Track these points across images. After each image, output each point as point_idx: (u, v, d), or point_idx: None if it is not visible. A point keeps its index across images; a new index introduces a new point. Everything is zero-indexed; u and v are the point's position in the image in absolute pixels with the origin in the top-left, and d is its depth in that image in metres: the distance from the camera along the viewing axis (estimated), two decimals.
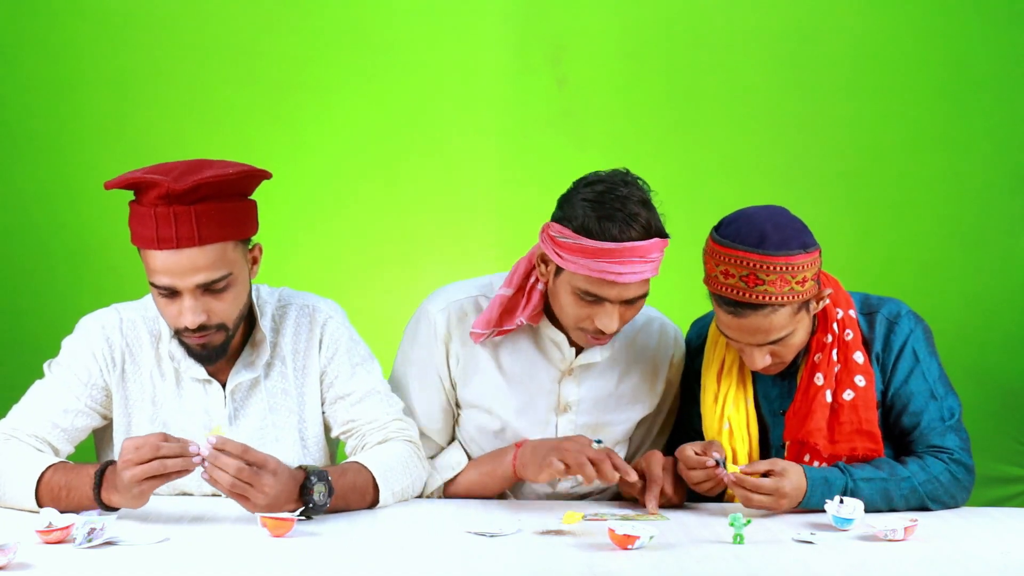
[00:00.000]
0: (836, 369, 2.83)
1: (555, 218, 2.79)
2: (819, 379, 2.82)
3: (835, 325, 2.84)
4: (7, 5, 3.87)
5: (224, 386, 2.82)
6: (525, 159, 3.99)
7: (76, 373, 2.78)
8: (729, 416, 2.89)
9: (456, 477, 2.92)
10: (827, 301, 2.81)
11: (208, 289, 2.65)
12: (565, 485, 2.97)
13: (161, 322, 2.80)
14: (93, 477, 2.54)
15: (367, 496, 2.72)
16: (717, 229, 2.76)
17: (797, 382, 2.87)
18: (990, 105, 3.98)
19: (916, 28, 3.99)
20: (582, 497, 3.01)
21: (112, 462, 2.55)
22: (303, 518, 2.56)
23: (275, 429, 2.84)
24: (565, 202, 2.78)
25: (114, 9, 3.91)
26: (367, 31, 3.98)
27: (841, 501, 2.60)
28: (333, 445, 2.97)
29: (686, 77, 4.01)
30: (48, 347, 2.89)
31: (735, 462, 2.85)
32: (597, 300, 2.75)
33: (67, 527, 2.36)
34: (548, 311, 2.91)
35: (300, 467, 2.58)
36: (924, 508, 2.78)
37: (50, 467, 2.62)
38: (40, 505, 2.57)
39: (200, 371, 2.79)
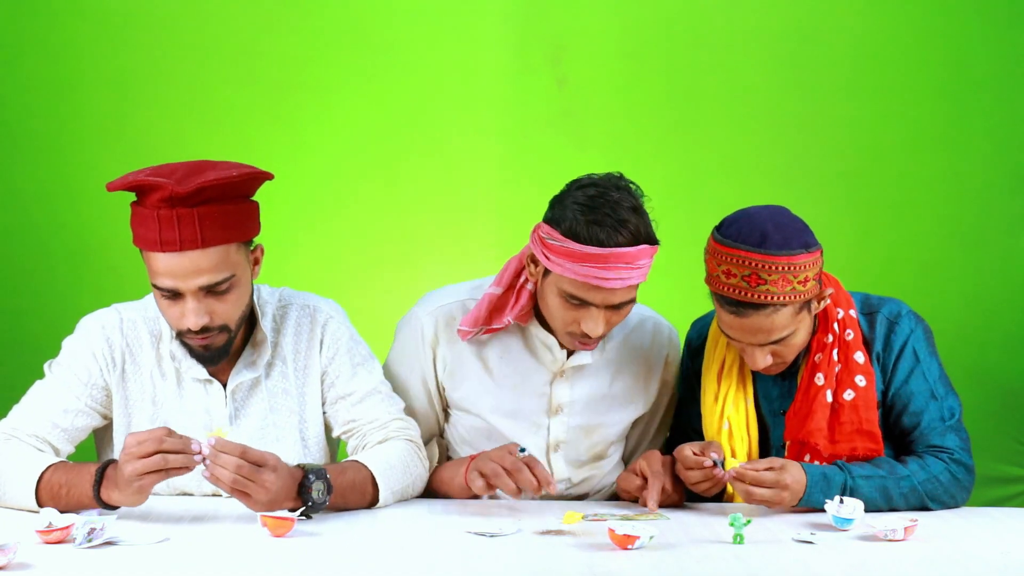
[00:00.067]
0: (837, 369, 2.83)
1: (546, 219, 2.79)
2: (820, 379, 2.82)
3: (836, 325, 2.85)
4: (7, 5, 3.87)
5: (225, 386, 2.82)
6: (525, 159, 3.99)
7: (76, 373, 2.78)
8: (729, 416, 2.89)
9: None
10: (828, 301, 2.81)
11: (211, 291, 2.65)
12: (559, 487, 2.97)
13: (161, 322, 2.80)
14: (93, 475, 2.54)
15: (367, 495, 2.72)
16: (719, 229, 2.76)
17: (797, 382, 2.87)
18: (990, 105, 3.98)
19: (916, 28, 3.99)
20: (581, 497, 3.01)
21: (113, 461, 2.55)
22: (303, 518, 2.56)
23: (276, 429, 2.84)
24: (557, 203, 2.78)
25: (114, 9, 3.91)
26: (367, 31, 3.98)
27: (841, 501, 2.60)
28: (334, 445, 2.97)
29: (686, 77, 4.01)
30: (48, 347, 2.89)
31: (734, 458, 2.85)
32: (583, 304, 2.75)
33: (67, 527, 2.36)
34: (538, 313, 2.91)
35: (299, 465, 2.58)
36: (924, 508, 2.78)
37: (50, 466, 2.62)
38: (40, 505, 2.57)
39: (201, 371, 2.79)
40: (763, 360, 2.77)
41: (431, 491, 2.91)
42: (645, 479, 2.79)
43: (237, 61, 3.94)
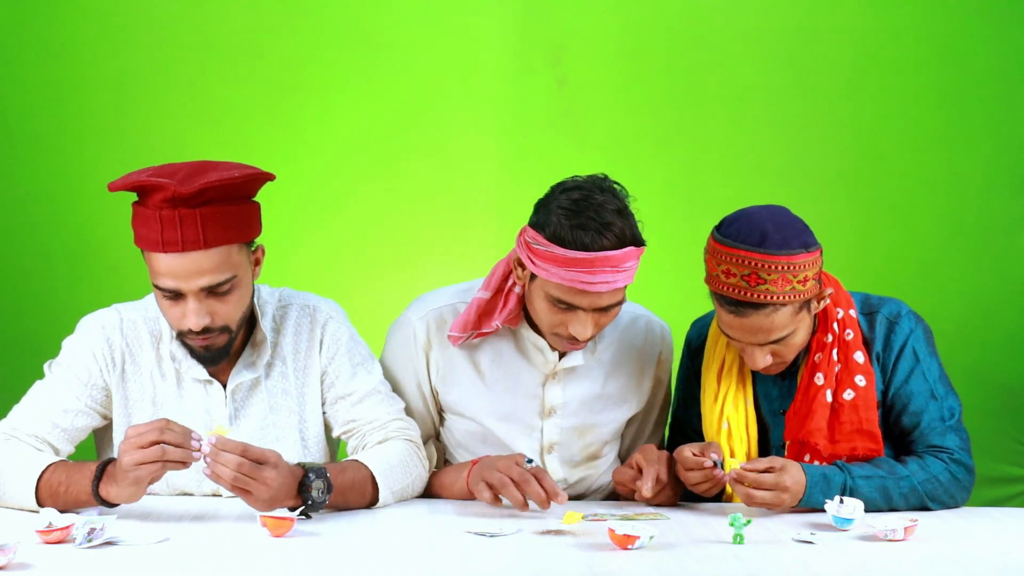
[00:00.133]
0: (836, 369, 2.83)
1: (531, 223, 2.79)
2: (819, 379, 2.82)
3: (835, 325, 2.85)
4: (7, 5, 3.87)
5: (225, 386, 2.82)
6: (525, 159, 3.99)
7: (76, 373, 2.78)
8: (728, 416, 2.89)
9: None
10: (828, 301, 2.81)
11: (212, 292, 2.65)
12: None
13: (162, 322, 2.80)
14: (93, 471, 2.54)
15: (366, 494, 2.72)
16: (718, 228, 2.76)
17: (797, 382, 2.87)
18: (990, 105, 3.99)
19: (916, 28, 3.99)
20: (578, 497, 3.01)
21: (113, 459, 2.55)
22: (303, 517, 2.56)
23: (276, 429, 2.84)
24: (541, 207, 2.78)
25: (114, 9, 3.91)
26: (367, 31, 3.98)
27: (841, 501, 2.60)
28: (334, 445, 2.97)
29: (686, 77, 4.01)
30: (48, 347, 2.89)
31: (733, 458, 2.86)
32: (570, 307, 2.75)
33: (67, 527, 2.36)
34: (529, 316, 2.91)
35: (298, 464, 2.58)
36: (924, 508, 2.78)
37: (50, 465, 2.62)
38: (39, 504, 2.57)
39: (201, 371, 2.79)
40: (763, 360, 2.77)
41: (430, 495, 2.91)
42: (640, 471, 2.78)
43: (237, 61, 3.94)
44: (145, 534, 2.44)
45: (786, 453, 2.86)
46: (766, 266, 2.68)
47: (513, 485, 2.65)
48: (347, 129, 3.99)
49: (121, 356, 2.81)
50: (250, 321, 2.82)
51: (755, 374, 2.91)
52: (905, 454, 2.85)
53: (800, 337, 2.78)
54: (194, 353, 2.75)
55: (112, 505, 2.56)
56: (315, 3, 3.95)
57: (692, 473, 2.73)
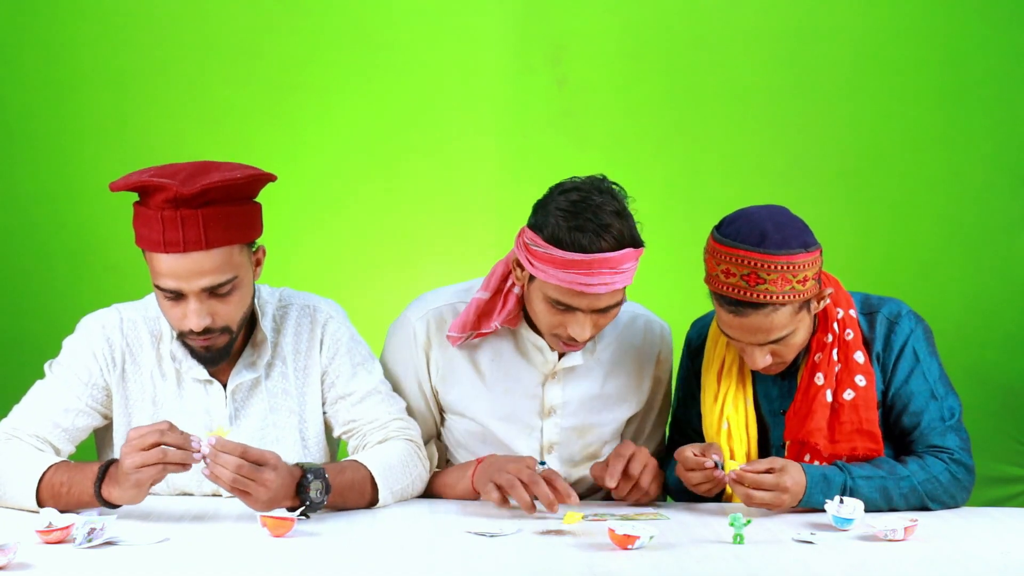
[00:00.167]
0: (836, 369, 2.83)
1: (529, 224, 2.79)
2: (819, 379, 2.82)
3: (835, 325, 2.85)
4: (7, 5, 3.87)
5: (225, 386, 2.82)
6: (525, 159, 3.99)
7: (76, 373, 2.79)
8: (728, 416, 2.89)
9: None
10: (828, 301, 2.81)
11: (213, 292, 2.65)
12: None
13: (162, 322, 2.80)
14: (96, 472, 2.54)
15: (366, 494, 2.72)
16: (718, 228, 2.76)
17: (797, 382, 2.87)
18: (990, 105, 3.98)
19: (916, 28, 3.99)
20: (581, 497, 3.01)
21: (116, 460, 2.55)
22: (303, 518, 2.56)
23: (276, 429, 2.84)
24: (540, 208, 2.78)
25: (114, 9, 3.91)
26: (367, 31, 3.98)
27: (841, 501, 2.60)
28: (334, 445, 2.97)
29: (686, 77, 4.01)
30: (48, 347, 2.89)
31: (733, 459, 2.85)
32: (568, 309, 2.75)
33: (67, 527, 2.36)
34: (528, 316, 2.91)
35: (297, 464, 2.58)
36: (924, 508, 2.78)
37: (52, 466, 2.62)
38: (40, 504, 2.58)
39: (201, 371, 2.79)
40: (763, 360, 2.77)
41: (432, 495, 2.91)
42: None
43: (237, 61, 3.94)
44: (145, 534, 2.44)
45: (786, 453, 2.86)
46: (766, 266, 2.68)
47: (522, 486, 2.65)
48: (347, 129, 3.99)
49: (121, 356, 2.81)
50: (250, 321, 2.82)
51: (755, 374, 2.91)
52: (905, 454, 2.85)
53: (800, 337, 2.78)
54: (194, 353, 2.75)
55: (114, 506, 2.56)
56: (315, 3, 3.95)
57: (693, 473, 2.73)
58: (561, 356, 2.93)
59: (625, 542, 2.38)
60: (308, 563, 2.27)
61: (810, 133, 4.01)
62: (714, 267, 2.74)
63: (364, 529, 2.56)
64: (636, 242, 2.74)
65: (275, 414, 2.84)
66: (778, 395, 2.91)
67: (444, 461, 3.03)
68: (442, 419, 3.02)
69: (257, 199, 2.74)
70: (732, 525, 2.46)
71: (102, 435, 2.89)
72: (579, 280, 2.69)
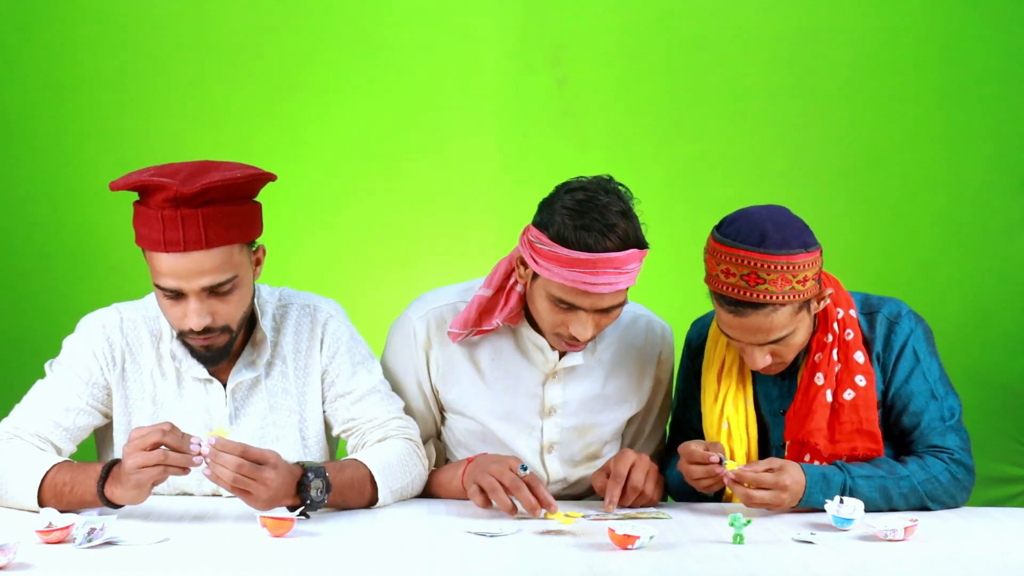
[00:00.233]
0: (836, 369, 2.83)
1: (534, 222, 2.79)
2: (819, 379, 2.82)
3: (835, 325, 2.84)
4: (7, 5, 3.87)
5: (225, 385, 2.82)
6: (525, 159, 3.99)
7: (77, 372, 2.79)
8: (728, 416, 2.89)
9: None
10: (828, 301, 2.81)
11: (214, 292, 2.65)
12: (555, 487, 2.97)
13: (162, 321, 2.80)
14: (99, 472, 2.54)
15: (365, 493, 2.72)
16: (718, 228, 2.77)
17: (797, 382, 2.87)
18: (990, 105, 3.98)
19: (916, 28, 3.99)
20: (578, 497, 3.01)
21: (119, 460, 2.55)
22: (303, 518, 2.56)
23: (276, 428, 2.84)
24: (545, 207, 2.78)
25: (114, 9, 3.91)
26: (367, 31, 3.98)
27: (841, 501, 2.60)
28: (334, 444, 2.97)
29: (686, 77, 4.01)
30: (49, 347, 2.89)
31: (732, 459, 2.86)
32: (571, 308, 2.75)
33: (67, 527, 2.36)
34: (529, 314, 2.91)
35: (297, 463, 2.58)
36: (924, 508, 2.78)
37: (54, 466, 2.62)
38: (41, 504, 2.58)
39: (201, 371, 2.80)
40: (762, 360, 2.77)
41: (428, 494, 2.91)
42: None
43: (237, 61, 3.94)
44: (145, 534, 2.44)
45: (786, 453, 2.86)
46: (765, 266, 2.68)
47: (502, 491, 2.64)
48: (347, 129, 3.99)
49: (121, 355, 2.81)
50: (250, 321, 2.82)
51: (755, 374, 2.91)
52: (905, 454, 2.85)
53: (800, 337, 2.78)
54: (194, 352, 2.76)
55: (117, 506, 2.56)
56: (315, 3, 3.95)
57: (696, 467, 2.72)
58: (562, 355, 2.93)
59: (625, 542, 2.38)
60: (308, 563, 2.27)
61: (810, 133, 4.01)
62: (714, 267, 2.74)
63: (364, 529, 2.56)
64: (641, 243, 2.75)
65: (275, 413, 2.84)
66: (778, 395, 2.91)
67: (444, 460, 3.03)
68: (442, 418, 3.02)
69: (257, 199, 2.74)
70: (732, 525, 2.46)
71: (102, 434, 2.89)
72: (583, 279, 2.69)
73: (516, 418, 2.95)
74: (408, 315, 2.99)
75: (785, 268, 2.68)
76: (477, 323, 2.90)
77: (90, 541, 2.34)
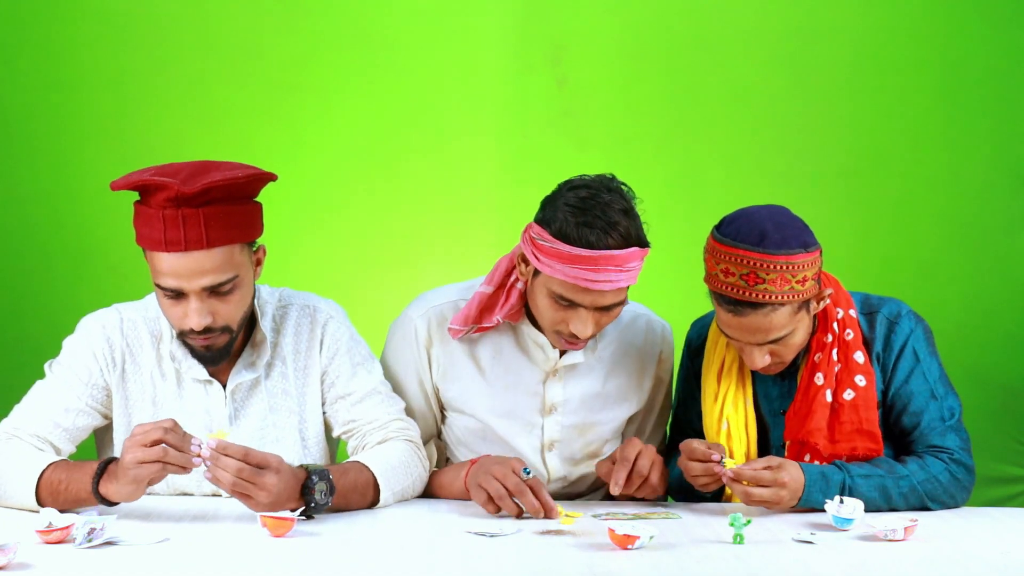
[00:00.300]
0: (836, 369, 2.83)
1: (537, 219, 2.79)
2: (819, 379, 2.82)
3: (835, 325, 2.85)
4: (7, 5, 3.87)
5: (225, 386, 2.82)
6: (525, 159, 3.99)
7: (77, 373, 2.79)
8: (728, 416, 2.89)
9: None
10: (827, 301, 2.81)
11: (214, 291, 2.65)
12: (555, 486, 2.97)
13: (162, 322, 2.80)
14: (95, 469, 2.54)
15: (367, 495, 2.72)
16: (718, 228, 2.77)
17: (797, 382, 2.87)
18: (990, 105, 3.98)
19: (916, 28, 3.99)
20: (578, 495, 3.01)
21: (115, 458, 2.55)
22: (303, 517, 2.56)
23: (276, 429, 2.84)
24: (548, 204, 2.79)
25: (114, 9, 3.91)
26: (367, 31, 3.98)
27: (841, 501, 2.60)
28: (334, 445, 2.97)
29: (686, 77, 4.01)
30: (48, 347, 2.89)
31: (732, 458, 2.86)
32: (572, 305, 2.75)
33: (67, 527, 2.36)
34: (530, 312, 2.92)
35: (301, 466, 2.58)
36: (923, 508, 2.78)
37: (51, 464, 2.62)
38: (39, 503, 2.58)
39: (201, 371, 2.79)
40: (762, 360, 2.77)
41: (429, 495, 2.91)
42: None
43: (237, 61, 3.94)
44: (145, 534, 2.44)
45: (786, 453, 2.86)
46: (765, 265, 2.68)
47: (508, 496, 2.64)
48: (347, 129, 3.99)
49: (121, 356, 2.81)
50: (250, 321, 2.82)
51: (755, 374, 2.91)
52: (905, 454, 2.85)
53: (799, 337, 2.78)
54: (195, 353, 2.76)
55: (112, 503, 2.56)
56: (315, 3, 3.95)
57: (695, 464, 2.72)
58: (562, 354, 2.93)
59: (625, 542, 2.38)
60: (308, 563, 2.27)
61: (810, 133, 4.01)
62: (713, 266, 2.74)
63: (364, 529, 2.56)
64: (643, 242, 2.75)
65: (275, 414, 2.84)
66: (778, 395, 2.91)
67: (444, 459, 3.03)
68: (443, 417, 3.02)
69: (257, 199, 2.74)
70: (732, 525, 2.46)
71: (102, 435, 2.89)
72: (585, 276, 2.70)
73: (516, 416, 2.95)
74: (408, 313, 2.99)
75: (784, 268, 2.68)
76: (478, 320, 2.90)
77: (90, 541, 2.34)
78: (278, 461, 2.52)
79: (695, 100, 4.01)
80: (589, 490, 3.02)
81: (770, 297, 2.69)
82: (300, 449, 2.85)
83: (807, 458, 2.82)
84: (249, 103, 3.94)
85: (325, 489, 2.57)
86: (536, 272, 2.79)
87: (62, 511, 2.46)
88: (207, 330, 2.67)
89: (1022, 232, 3.99)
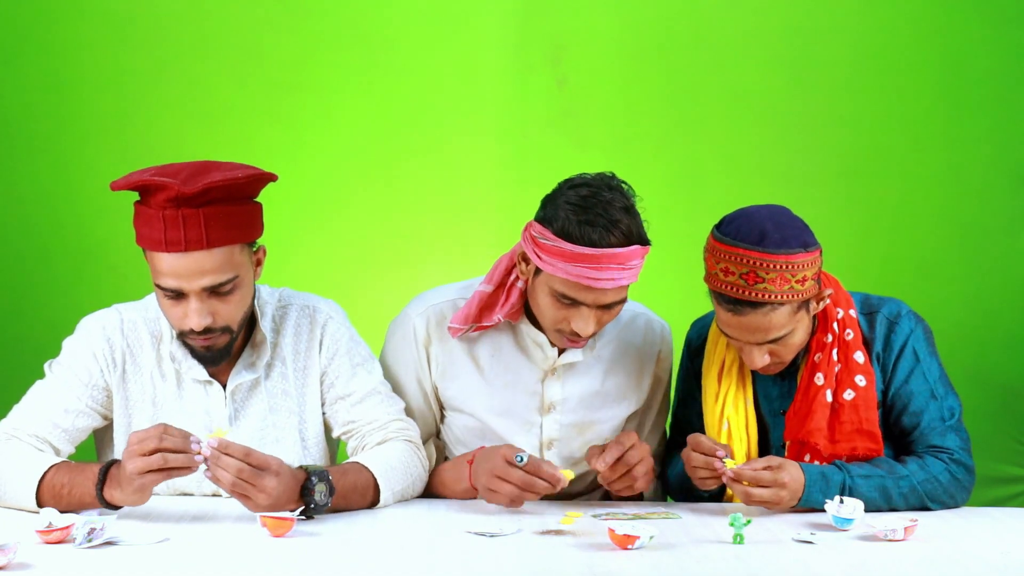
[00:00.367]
0: (836, 369, 2.83)
1: (538, 218, 2.79)
2: (819, 379, 2.82)
3: (835, 325, 2.85)
4: (7, 5, 3.87)
5: (225, 387, 2.82)
6: (525, 159, 3.99)
7: (77, 373, 2.78)
8: (728, 416, 2.89)
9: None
10: (827, 302, 2.81)
11: (214, 292, 2.65)
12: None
13: (162, 323, 2.80)
14: (97, 474, 2.54)
15: (367, 496, 2.72)
16: (718, 227, 2.77)
17: (797, 382, 2.87)
18: (990, 105, 3.98)
19: (916, 28, 3.99)
20: (578, 494, 3.01)
21: (116, 461, 2.55)
22: (303, 518, 2.56)
23: (275, 430, 2.84)
24: (549, 202, 2.79)
25: (114, 9, 3.91)
26: (367, 31, 3.98)
27: (841, 501, 2.60)
28: (334, 445, 2.97)
29: (686, 77, 4.01)
30: (48, 347, 2.89)
31: (731, 458, 2.86)
32: (574, 303, 2.76)
33: (67, 527, 2.36)
34: (528, 311, 2.92)
35: (301, 467, 2.58)
36: (923, 508, 2.78)
37: (52, 467, 2.62)
38: (40, 505, 2.57)
39: (201, 372, 2.79)
40: (761, 359, 2.77)
41: (430, 492, 2.91)
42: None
43: (237, 61, 3.94)
44: (145, 534, 2.44)
45: (786, 453, 2.86)
46: (764, 265, 2.68)
47: (523, 494, 2.67)
48: (347, 129, 3.99)
49: (122, 356, 2.81)
50: (250, 322, 2.82)
51: (755, 374, 2.91)
52: (905, 454, 2.85)
53: (798, 337, 2.78)
54: (195, 353, 2.75)
55: (116, 507, 2.56)
56: (315, 3, 3.95)
57: (698, 455, 2.72)
58: (561, 352, 2.93)
59: (625, 542, 2.38)
60: (308, 563, 2.27)
61: (810, 133, 4.01)
62: (713, 265, 2.74)
63: (364, 529, 2.56)
64: (644, 240, 2.75)
65: (275, 414, 2.84)
66: (778, 395, 2.91)
67: (443, 459, 3.03)
68: (442, 416, 3.02)
69: (257, 199, 2.74)
70: (732, 525, 2.46)
71: (102, 435, 2.89)
72: (587, 274, 2.70)
73: (515, 415, 2.95)
74: (408, 312, 2.99)
75: (784, 267, 2.68)
76: (478, 319, 2.90)
77: (90, 541, 2.34)
78: (278, 463, 2.52)
79: (695, 100, 4.01)
80: (588, 489, 3.02)
81: (769, 296, 2.69)
82: (300, 449, 2.85)
83: (807, 458, 2.82)
84: (249, 103, 3.94)
85: (325, 490, 2.57)
86: (537, 271, 2.79)
87: (64, 512, 2.46)
88: (207, 330, 2.67)
89: (1022, 232, 3.99)
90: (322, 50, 3.97)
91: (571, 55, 4.00)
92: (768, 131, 4.01)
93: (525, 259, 2.83)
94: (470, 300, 2.91)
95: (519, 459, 2.68)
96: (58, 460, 2.66)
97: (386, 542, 2.46)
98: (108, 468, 2.54)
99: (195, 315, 2.65)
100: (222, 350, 2.73)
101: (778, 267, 2.68)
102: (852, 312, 2.87)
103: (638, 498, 2.95)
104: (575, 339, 2.82)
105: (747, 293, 2.70)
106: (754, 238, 2.70)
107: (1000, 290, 3.99)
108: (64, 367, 2.79)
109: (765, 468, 2.68)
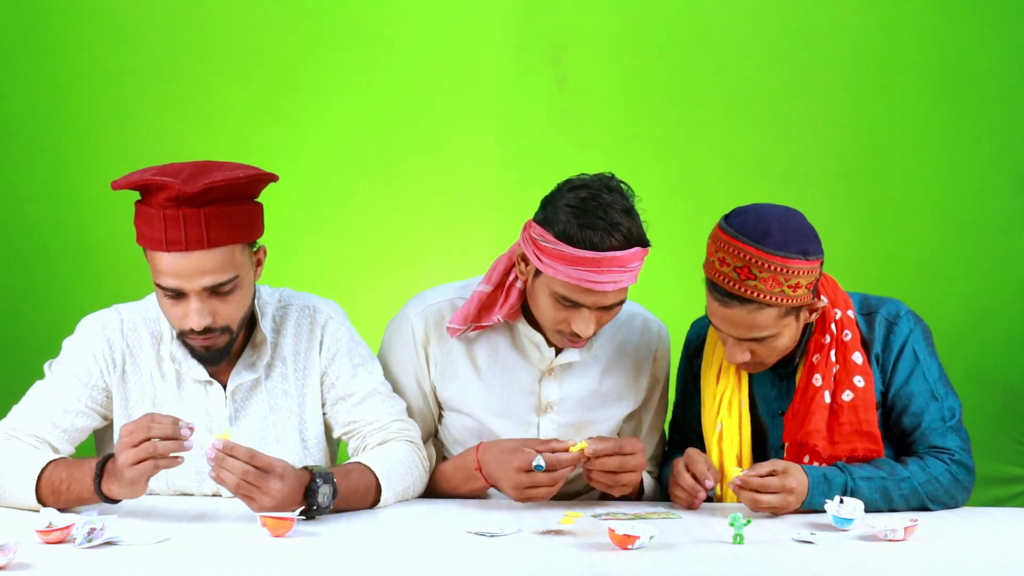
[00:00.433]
0: (835, 370, 2.83)
1: (537, 220, 2.79)
2: (817, 380, 2.82)
3: (833, 326, 2.84)
4: (7, 5, 3.87)
5: (225, 387, 2.82)
6: (525, 159, 3.99)
7: (76, 374, 2.78)
8: (722, 418, 2.89)
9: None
10: (819, 314, 2.80)
11: (215, 291, 2.65)
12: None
13: (162, 323, 2.80)
14: (94, 468, 2.54)
15: (369, 496, 2.72)
16: (726, 217, 2.77)
17: (795, 383, 2.87)
18: (990, 105, 3.98)
19: (916, 28, 3.98)
20: (576, 494, 3.01)
21: (113, 455, 2.55)
22: (303, 518, 2.56)
23: (276, 430, 2.84)
24: (548, 204, 2.79)
25: (114, 9, 3.91)
26: (367, 31, 3.98)
27: (841, 501, 2.60)
28: (334, 446, 2.97)
29: (686, 77, 4.01)
30: (48, 347, 2.89)
31: (723, 459, 2.86)
32: (574, 305, 2.76)
33: (67, 527, 2.36)
34: (526, 311, 2.92)
35: (305, 468, 2.58)
36: (924, 508, 2.78)
37: (50, 463, 2.62)
38: (40, 502, 2.58)
39: (201, 372, 2.79)
40: (741, 356, 2.77)
41: (433, 490, 2.91)
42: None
43: (237, 61, 3.93)
44: (145, 534, 2.44)
45: (785, 455, 2.86)
46: (759, 263, 2.68)
47: (558, 488, 2.69)
48: (347, 129, 3.99)
49: (121, 357, 2.81)
50: (250, 322, 2.82)
51: (753, 375, 2.91)
52: (905, 455, 2.85)
53: (783, 342, 2.78)
54: (195, 353, 2.75)
55: (115, 501, 2.56)
56: (315, 3, 3.95)
57: (686, 477, 2.73)
58: (558, 352, 2.93)
59: (625, 542, 2.38)
60: (308, 563, 2.27)
61: (810, 133, 4.01)
62: (712, 253, 2.75)
63: (364, 529, 2.56)
64: (644, 241, 2.75)
65: (275, 415, 2.84)
66: (776, 396, 2.91)
67: (441, 459, 3.03)
68: (439, 416, 3.02)
69: (258, 199, 2.74)
70: (732, 525, 2.46)
71: (101, 436, 2.89)
72: (588, 277, 2.70)
73: (512, 415, 2.95)
74: (406, 312, 2.99)
75: (778, 270, 2.68)
76: (476, 319, 2.90)
77: (90, 541, 2.34)
78: (283, 466, 2.52)
79: (695, 100, 4.01)
80: (587, 488, 3.01)
81: (758, 295, 2.69)
82: (300, 450, 2.85)
83: (806, 459, 2.82)
84: (249, 103, 3.94)
85: (329, 492, 2.57)
86: (537, 272, 2.79)
87: (64, 510, 2.47)
88: (207, 330, 2.67)
89: (1022, 232, 3.99)
90: (322, 50, 3.97)
91: (571, 55, 4.00)
92: (768, 131, 4.01)
93: (524, 259, 2.83)
94: (469, 300, 2.91)
95: (537, 468, 2.69)
96: (55, 456, 2.66)
97: (386, 542, 2.46)
98: (105, 462, 2.54)
99: (195, 315, 2.65)
100: (222, 350, 2.73)
101: (772, 268, 2.68)
102: (850, 313, 2.87)
103: (638, 498, 2.95)
104: (575, 340, 2.82)
105: (737, 287, 2.69)
106: (756, 235, 2.70)
107: (1000, 290, 3.99)
108: (64, 367, 2.79)
109: (770, 473, 2.68)
